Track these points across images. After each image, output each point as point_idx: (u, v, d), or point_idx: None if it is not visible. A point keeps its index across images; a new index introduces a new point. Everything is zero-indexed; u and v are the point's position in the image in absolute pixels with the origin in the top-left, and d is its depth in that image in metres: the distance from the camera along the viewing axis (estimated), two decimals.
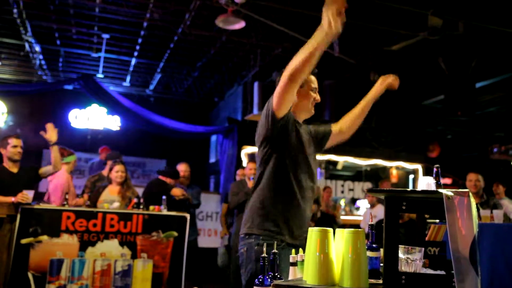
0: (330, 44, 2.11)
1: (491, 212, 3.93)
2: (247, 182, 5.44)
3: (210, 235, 7.72)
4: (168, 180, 5.53)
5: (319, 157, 2.60)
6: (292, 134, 2.27)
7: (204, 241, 7.37)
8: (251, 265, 2.22)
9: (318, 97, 2.48)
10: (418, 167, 9.98)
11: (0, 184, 4.31)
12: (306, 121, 2.56)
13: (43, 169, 4.61)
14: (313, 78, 2.47)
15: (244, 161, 8.35)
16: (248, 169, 5.54)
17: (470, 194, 1.40)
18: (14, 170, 4.45)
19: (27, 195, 4.17)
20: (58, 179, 5.31)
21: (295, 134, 2.29)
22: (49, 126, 4.58)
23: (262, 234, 2.20)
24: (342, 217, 7.94)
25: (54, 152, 4.58)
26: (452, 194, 1.37)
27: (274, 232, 2.19)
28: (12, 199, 4.16)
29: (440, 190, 1.38)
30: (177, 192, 5.45)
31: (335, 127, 2.66)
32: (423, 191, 1.57)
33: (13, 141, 4.42)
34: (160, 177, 5.62)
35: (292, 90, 2.10)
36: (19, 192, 4.18)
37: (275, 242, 1.84)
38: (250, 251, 2.22)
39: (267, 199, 2.25)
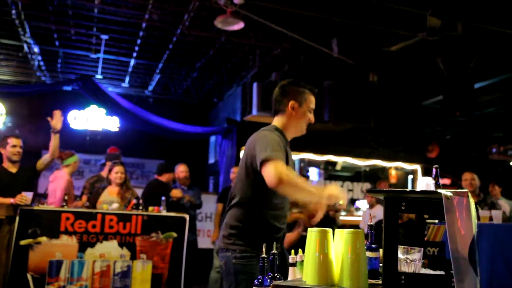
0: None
1: (490, 212, 3.94)
2: None
3: (210, 236, 7.71)
4: (165, 177, 5.54)
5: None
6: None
7: (203, 242, 7.37)
8: (230, 278, 2.26)
9: (312, 118, 2.48)
10: (417, 167, 9.98)
11: None
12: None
13: (41, 161, 4.61)
14: (312, 98, 2.45)
15: None
16: None
17: (469, 194, 1.40)
18: (13, 170, 4.45)
19: (25, 197, 4.17)
20: (58, 182, 5.30)
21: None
22: (57, 113, 4.57)
23: (238, 248, 2.25)
24: (341, 218, 7.94)
25: (55, 140, 4.57)
26: (451, 194, 1.37)
27: (250, 247, 2.23)
28: (11, 200, 4.15)
29: (439, 191, 1.39)
30: (176, 193, 5.46)
31: None
32: (422, 192, 1.57)
33: (12, 141, 4.42)
34: (157, 177, 5.64)
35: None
36: (18, 193, 4.17)
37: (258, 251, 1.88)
38: (228, 264, 2.27)
39: (244, 218, 2.29)
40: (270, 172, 2.09)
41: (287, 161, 2.30)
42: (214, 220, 6.24)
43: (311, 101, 2.43)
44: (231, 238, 2.29)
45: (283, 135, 2.38)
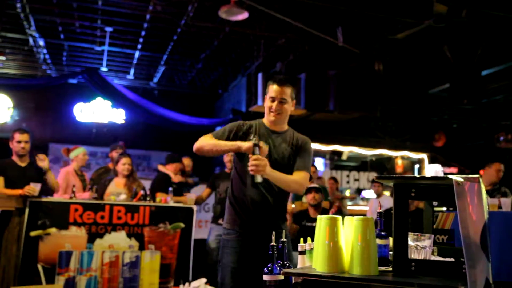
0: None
1: (499, 201, 3.92)
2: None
3: (201, 227, 7.61)
4: (172, 168, 5.51)
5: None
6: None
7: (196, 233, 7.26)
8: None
9: (273, 106, 2.59)
10: (424, 156, 9.95)
11: (8, 177, 4.34)
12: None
13: (46, 178, 4.58)
14: (272, 87, 2.60)
15: None
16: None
17: (480, 180, 1.39)
18: (22, 164, 4.47)
19: (33, 188, 4.18)
20: (64, 173, 5.32)
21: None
22: (41, 156, 4.49)
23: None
24: (348, 207, 7.95)
25: (50, 176, 4.55)
26: (462, 180, 1.36)
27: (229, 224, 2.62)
28: (19, 191, 4.18)
29: (450, 176, 1.38)
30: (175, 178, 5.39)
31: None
32: (432, 177, 1.56)
33: (17, 136, 4.42)
34: (161, 169, 5.61)
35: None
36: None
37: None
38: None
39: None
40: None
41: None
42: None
43: (270, 90, 2.60)
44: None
45: (264, 124, 2.65)
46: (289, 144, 2.61)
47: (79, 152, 5.42)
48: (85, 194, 4.95)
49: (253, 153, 2.37)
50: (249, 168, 2.35)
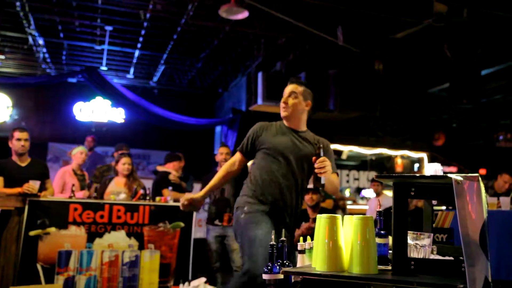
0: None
1: (498, 199, 3.93)
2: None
3: (201, 226, 7.58)
4: (171, 166, 5.50)
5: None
6: (261, 143, 2.71)
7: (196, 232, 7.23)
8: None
9: (282, 104, 2.72)
10: (424, 155, 9.95)
11: (8, 177, 4.33)
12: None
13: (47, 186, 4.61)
14: (287, 87, 2.72)
15: None
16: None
17: (480, 178, 1.39)
18: (22, 164, 4.46)
19: (33, 185, 4.17)
20: (61, 173, 5.32)
21: (261, 142, 2.71)
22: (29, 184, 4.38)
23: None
24: (348, 207, 7.94)
25: (48, 184, 4.61)
26: (461, 179, 1.36)
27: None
28: (19, 190, 4.17)
29: (449, 175, 1.38)
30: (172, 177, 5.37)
31: None
32: (432, 176, 1.56)
33: (17, 135, 4.41)
34: (160, 169, 5.60)
35: None
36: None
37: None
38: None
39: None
40: None
41: (256, 142, 2.73)
42: None
43: (285, 90, 2.71)
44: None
45: (284, 123, 2.75)
46: (311, 143, 2.72)
47: (76, 151, 5.40)
48: (80, 193, 4.93)
49: (319, 156, 2.44)
50: (317, 170, 2.41)
